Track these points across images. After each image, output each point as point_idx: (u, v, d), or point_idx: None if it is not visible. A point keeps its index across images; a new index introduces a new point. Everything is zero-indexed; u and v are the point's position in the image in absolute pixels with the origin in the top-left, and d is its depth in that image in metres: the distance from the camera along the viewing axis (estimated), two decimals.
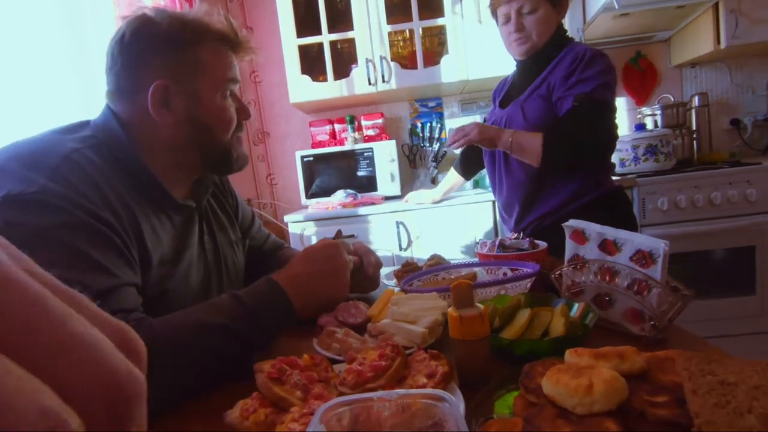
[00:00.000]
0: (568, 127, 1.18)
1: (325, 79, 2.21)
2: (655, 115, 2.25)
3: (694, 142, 2.31)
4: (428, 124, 2.43)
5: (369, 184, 2.21)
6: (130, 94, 0.69)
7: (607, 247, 0.64)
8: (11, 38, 1.15)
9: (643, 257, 0.60)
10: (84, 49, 1.37)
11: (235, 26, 0.76)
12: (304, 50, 2.21)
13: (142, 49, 0.68)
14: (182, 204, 0.76)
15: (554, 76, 1.23)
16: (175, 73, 0.69)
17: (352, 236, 2.00)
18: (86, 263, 0.55)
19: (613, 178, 1.50)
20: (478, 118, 2.51)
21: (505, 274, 0.83)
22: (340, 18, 2.24)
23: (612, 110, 1.20)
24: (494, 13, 1.34)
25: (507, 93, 1.41)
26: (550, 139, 1.18)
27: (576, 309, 0.61)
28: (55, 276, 0.56)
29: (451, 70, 2.15)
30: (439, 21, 2.16)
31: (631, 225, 1.29)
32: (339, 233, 0.94)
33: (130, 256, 0.62)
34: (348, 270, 0.77)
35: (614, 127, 1.21)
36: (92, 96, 1.35)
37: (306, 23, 2.22)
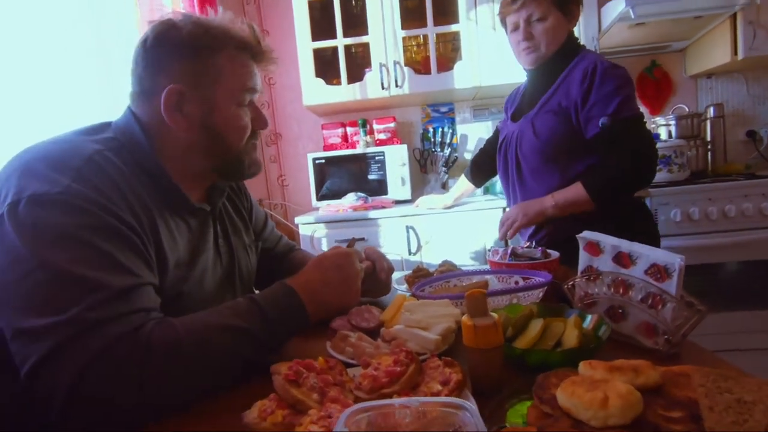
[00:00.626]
0: (602, 160, 1.16)
1: (338, 83, 2.23)
2: (669, 125, 2.24)
3: (709, 153, 2.29)
4: (440, 129, 2.44)
5: (379, 187, 2.22)
6: (149, 98, 0.71)
7: (622, 260, 0.64)
8: (36, 40, 1.18)
9: (658, 271, 0.60)
10: (106, 52, 1.40)
11: (258, 35, 0.76)
12: (318, 54, 2.23)
13: (162, 54, 0.69)
14: (198, 207, 0.77)
15: (564, 90, 1.21)
16: (192, 78, 0.70)
17: (363, 239, 2.01)
18: (108, 262, 0.56)
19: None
20: (489, 125, 2.52)
21: (516, 282, 0.84)
22: (355, 22, 2.25)
23: (641, 121, 1.17)
24: (503, 21, 1.32)
25: (519, 105, 1.40)
26: (590, 181, 1.16)
27: (589, 321, 0.61)
28: (77, 273, 0.57)
29: (465, 76, 2.15)
30: (454, 27, 2.17)
31: (652, 240, 1.26)
32: (353, 241, 0.95)
33: (149, 256, 0.63)
34: (359, 279, 0.78)
35: (649, 134, 1.18)
36: (114, 98, 1.38)
37: (321, 27, 2.24)
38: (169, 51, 0.69)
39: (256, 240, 0.98)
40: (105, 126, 0.73)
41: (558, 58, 1.25)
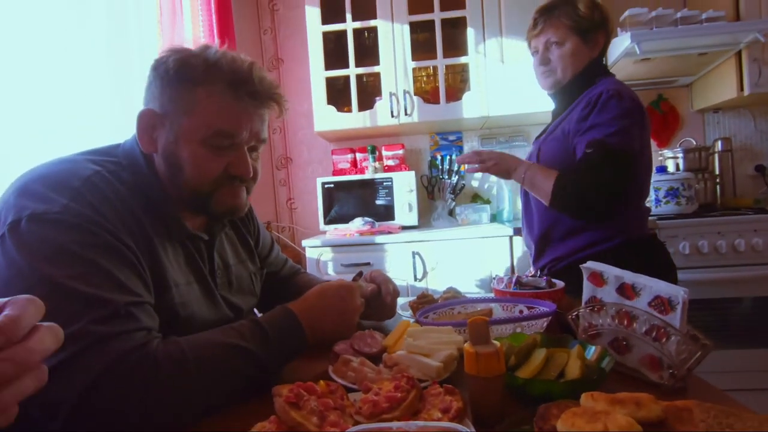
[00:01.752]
0: (578, 175, 1.11)
1: (349, 110, 2.29)
2: (677, 158, 2.25)
3: (717, 186, 2.28)
4: (448, 157, 2.47)
5: (387, 213, 2.24)
6: None
7: (626, 291, 0.64)
8: (60, 68, 1.23)
9: (662, 303, 0.60)
10: (128, 79, 1.46)
11: (259, 74, 0.72)
12: (331, 82, 2.30)
13: (155, 80, 0.70)
14: (194, 234, 0.75)
15: (569, 119, 1.20)
16: (167, 106, 0.69)
17: (368, 264, 2.01)
18: (108, 279, 0.57)
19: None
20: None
21: (521, 311, 0.83)
22: (367, 53, 2.33)
23: (626, 158, 1.09)
24: (529, 45, 1.32)
25: (543, 130, 1.39)
26: (562, 182, 1.12)
27: (592, 352, 0.61)
28: (79, 289, 0.56)
29: (473, 106, 2.20)
30: (463, 59, 2.23)
31: (664, 274, 1.19)
32: (359, 275, 0.95)
33: (145, 276, 0.63)
34: (357, 314, 0.79)
35: (627, 177, 1.11)
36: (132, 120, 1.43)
37: (334, 57, 2.32)
38: (161, 77, 0.70)
39: (262, 266, 0.97)
40: (113, 147, 0.74)
41: (575, 85, 1.24)
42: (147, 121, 0.70)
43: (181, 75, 0.68)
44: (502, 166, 1.22)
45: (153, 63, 0.71)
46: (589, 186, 1.10)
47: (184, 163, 0.70)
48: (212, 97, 0.69)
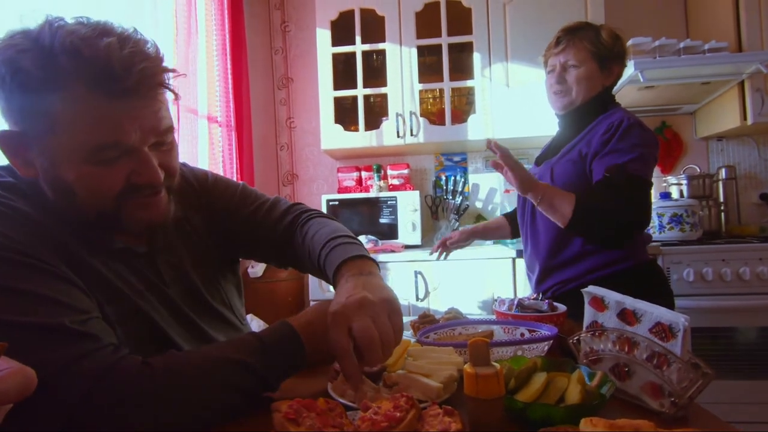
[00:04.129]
0: (599, 199, 1.11)
1: (356, 129, 2.33)
2: (681, 184, 2.26)
3: (722, 214, 2.28)
4: (452, 178, 2.49)
5: (390, 231, 2.25)
6: None
7: (627, 317, 0.64)
8: None
9: (663, 330, 0.59)
10: None
11: (122, 62, 0.53)
12: (339, 101, 2.34)
13: (1, 85, 0.54)
14: (122, 249, 0.64)
15: (587, 140, 1.21)
16: (22, 124, 0.55)
17: None
18: (41, 302, 0.50)
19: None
20: (501, 175, 2.55)
21: (522, 334, 0.83)
22: (375, 74, 2.39)
23: (645, 186, 1.14)
24: (545, 63, 1.34)
25: (545, 151, 1.40)
26: (583, 205, 1.11)
27: (593, 377, 0.60)
28: (14, 322, 0.47)
29: (478, 128, 2.23)
30: (469, 83, 2.28)
31: (663, 300, 1.19)
32: None
33: (83, 287, 0.56)
34: None
35: (647, 204, 1.15)
36: None
37: (343, 77, 2.37)
38: (2, 78, 0.53)
39: (249, 224, 0.84)
40: (6, 167, 0.61)
41: (588, 109, 1.26)
42: (11, 144, 0.56)
43: (18, 82, 0.52)
44: (524, 177, 1.15)
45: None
46: (609, 211, 1.11)
47: (73, 186, 0.57)
48: (73, 107, 0.53)
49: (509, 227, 1.59)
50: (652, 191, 2.03)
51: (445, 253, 1.57)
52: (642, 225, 1.15)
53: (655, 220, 2.02)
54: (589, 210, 1.12)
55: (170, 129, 0.62)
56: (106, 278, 0.60)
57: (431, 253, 1.56)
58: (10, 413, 0.30)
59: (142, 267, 0.67)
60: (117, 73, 0.53)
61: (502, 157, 1.14)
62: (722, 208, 2.29)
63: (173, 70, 0.60)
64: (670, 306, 1.22)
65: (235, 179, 2.06)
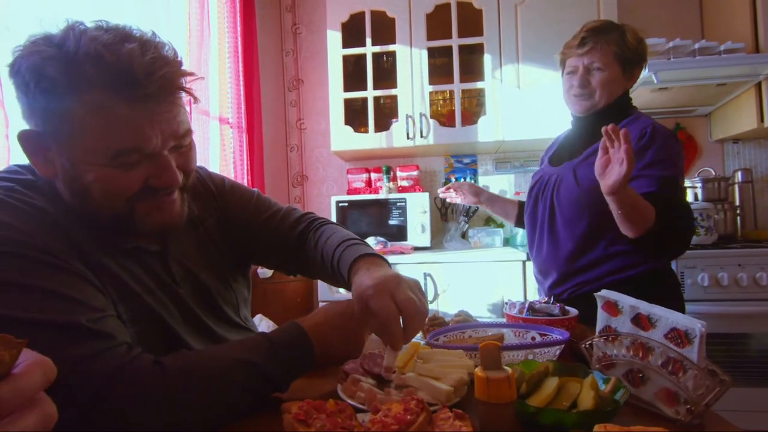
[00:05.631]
0: (671, 217, 1.06)
1: (366, 131, 2.33)
2: (696, 187, 2.22)
3: (738, 218, 2.24)
4: (462, 180, 2.48)
5: (399, 233, 2.25)
6: None
7: (641, 322, 0.63)
8: None
9: (679, 336, 0.58)
10: None
11: (143, 67, 0.54)
12: (348, 103, 2.35)
13: (17, 92, 0.56)
14: (134, 248, 0.65)
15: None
16: (44, 126, 0.56)
17: None
18: (57, 300, 0.51)
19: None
20: (511, 178, 2.55)
21: (533, 338, 0.82)
22: (385, 76, 2.39)
23: (684, 192, 1.21)
24: (563, 63, 1.29)
25: (558, 151, 1.37)
26: (663, 216, 1.04)
27: (607, 383, 0.60)
28: (30, 320, 0.48)
29: (488, 130, 2.22)
30: (479, 84, 2.27)
31: (676, 304, 1.17)
32: None
33: (99, 285, 0.57)
34: (366, 333, 0.77)
35: (692, 214, 1.17)
36: None
37: (353, 79, 2.38)
38: (21, 89, 0.56)
39: (264, 231, 0.85)
40: (25, 166, 0.63)
41: (610, 112, 1.22)
42: (32, 143, 0.58)
43: (42, 88, 0.54)
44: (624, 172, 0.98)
45: (8, 68, 0.56)
46: (682, 228, 1.11)
47: (90, 188, 0.58)
48: (94, 113, 0.54)
49: (515, 213, 1.55)
50: None
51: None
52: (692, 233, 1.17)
53: None
54: (667, 226, 1.05)
55: (188, 132, 0.64)
56: (119, 277, 0.61)
57: (440, 192, 1.58)
58: None
59: (154, 266, 0.68)
60: (139, 80, 0.54)
61: (628, 150, 0.96)
62: (738, 211, 2.24)
63: (191, 74, 0.61)
64: (681, 310, 1.21)
65: (245, 180, 2.08)
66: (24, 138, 0.57)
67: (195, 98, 0.62)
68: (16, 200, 0.56)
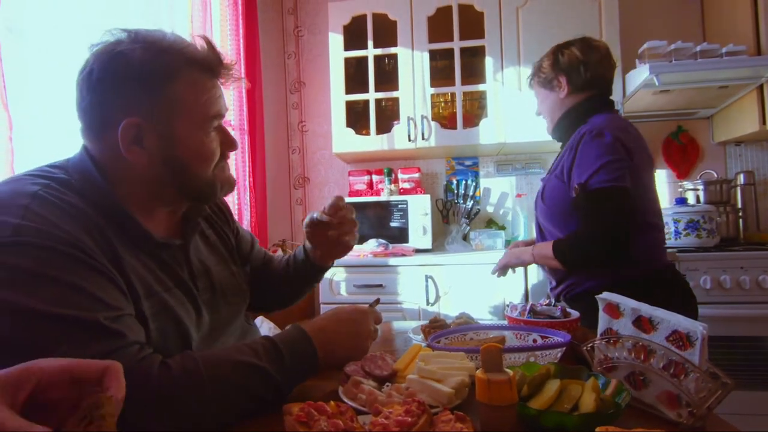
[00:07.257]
0: (572, 233, 1.18)
1: (367, 133, 2.34)
2: (698, 189, 2.21)
3: (740, 220, 2.23)
4: (463, 182, 2.48)
5: (401, 235, 2.24)
6: (101, 132, 0.65)
7: (643, 324, 0.63)
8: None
9: (680, 338, 0.58)
10: None
11: (218, 50, 0.70)
12: (350, 105, 2.35)
13: (111, 86, 0.63)
14: (163, 242, 0.70)
15: (562, 157, 1.26)
16: (148, 110, 0.64)
17: (381, 286, 2.01)
18: (81, 296, 0.53)
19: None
20: (513, 180, 2.55)
21: (535, 340, 0.82)
22: (387, 78, 2.39)
23: (614, 194, 1.10)
24: None
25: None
26: (559, 244, 1.19)
27: (608, 385, 0.59)
28: (53, 312, 0.52)
29: (489, 132, 2.22)
30: (481, 87, 2.27)
31: (684, 308, 1.13)
32: (376, 302, 0.95)
33: (120, 284, 0.59)
34: (370, 338, 0.78)
35: (618, 211, 1.10)
36: None
37: (355, 81, 2.38)
38: (119, 82, 0.63)
39: (245, 263, 0.95)
40: (61, 163, 0.67)
41: (564, 126, 1.32)
42: (131, 132, 0.64)
43: (150, 74, 0.63)
44: (516, 256, 1.35)
45: (99, 70, 0.63)
46: (584, 238, 1.15)
47: (188, 159, 0.68)
48: (191, 87, 0.67)
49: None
50: (666, 192, 1.98)
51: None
52: (619, 235, 1.10)
53: (670, 226, 1.98)
54: (566, 251, 1.18)
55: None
56: (144, 273, 0.65)
57: (492, 273, 1.48)
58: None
59: (177, 260, 0.72)
60: (215, 63, 0.69)
61: (500, 270, 1.41)
62: (740, 214, 2.24)
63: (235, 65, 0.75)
64: (693, 310, 1.21)
65: (247, 182, 2.08)
66: (126, 128, 0.63)
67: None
68: (52, 196, 0.59)
